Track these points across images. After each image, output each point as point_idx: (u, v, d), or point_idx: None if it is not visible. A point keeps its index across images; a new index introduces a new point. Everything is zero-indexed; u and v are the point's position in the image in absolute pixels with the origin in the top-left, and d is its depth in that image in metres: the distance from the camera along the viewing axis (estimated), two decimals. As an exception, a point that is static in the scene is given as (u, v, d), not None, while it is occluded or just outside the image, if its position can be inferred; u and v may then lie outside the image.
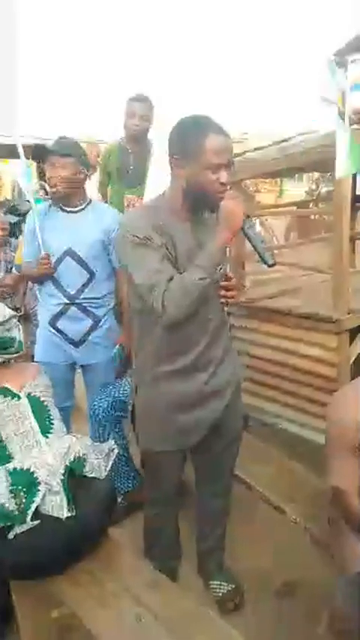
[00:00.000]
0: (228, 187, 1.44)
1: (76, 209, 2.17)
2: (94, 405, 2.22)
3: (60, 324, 2.20)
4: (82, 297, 2.18)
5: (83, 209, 2.18)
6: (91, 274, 2.17)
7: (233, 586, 1.86)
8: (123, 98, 3.01)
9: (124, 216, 2.01)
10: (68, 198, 2.14)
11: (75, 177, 2.10)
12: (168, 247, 1.44)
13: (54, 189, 2.11)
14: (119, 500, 2.19)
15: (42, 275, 2.16)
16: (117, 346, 2.26)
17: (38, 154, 2.15)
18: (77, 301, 2.18)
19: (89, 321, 2.21)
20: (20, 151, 2.27)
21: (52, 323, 2.20)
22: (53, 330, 2.22)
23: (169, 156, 1.47)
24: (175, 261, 1.45)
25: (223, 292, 1.53)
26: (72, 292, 2.17)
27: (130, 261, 1.46)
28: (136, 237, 1.41)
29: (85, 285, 2.17)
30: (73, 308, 2.18)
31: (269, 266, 1.46)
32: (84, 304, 2.19)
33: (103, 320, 2.25)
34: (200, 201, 1.46)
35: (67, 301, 2.17)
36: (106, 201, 3.13)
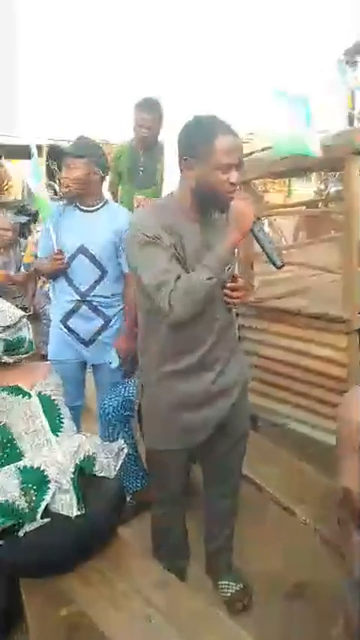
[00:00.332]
0: (238, 187, 1.44)
1: (92, 209, 2.20)
2: (104, 404, 2.23)
3: (71, 323, 2.23)
4: (92, 294, 2.20)
5: (98, 209, 2.21)
6: (103, 272, 2.19)
7: (242, 586, 1.85)
8: (131, 98, 3.03)
9: (134, 216, 2.02)
10: (81, 197, 2.17)
11: (87, 178, 2.12)
12: (177, 247, 1.45)
13: (66, 189, 2.14)
14: (128, 499, 2.19)
15: (55, 270, 2.19)
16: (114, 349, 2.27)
17: (55, 154, 2.20)
18: (88, 299, 2.20)
19: (100, 321, 2.23)
20: (34, 150, 2.30)
21: (64, 321, 2.23)
22: (65, 329, 2.24)
23: (179, 157, 1.47)
24: (184, 261, 1.45)
25: (229, 293, 1.54)
26: (83, 289, 2.19)
27: (138, 260, 1.46)
28: (145, 235, 1.41)
29: (96, 282, 2.19)
30: (84, 306, 2.20)
31: (278, 267, 1.46)
32: (94, 303, 2.21)
33: (113, 320, 2.27)
34: (210, 201, 1.46)
35: (79, 298, 2.20)
36: (116, 201, 3.16)
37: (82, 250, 2.16)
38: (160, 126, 3.03)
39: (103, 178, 2.24)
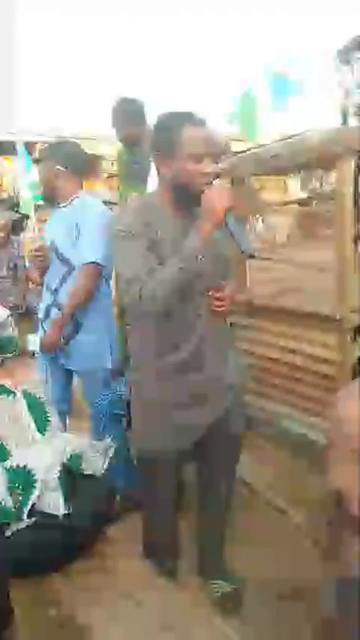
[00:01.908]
0: (212, 179, 1.42)
1: (62, 205, 2.19)
2: (96, 402, 2.21)
3: (45, 326, 2.14)
4: (61, 292, 2.09)
5: (67, 205, 2.17)
6: (70, 268, 2.09)
7: (233, 587, 1.84)
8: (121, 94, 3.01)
9: (117, 212, 2.03)
10: (54, 197, 2.18)
11: (49, 178, 2.14)
12: (153, 241, 1.44)
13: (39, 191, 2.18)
14: (117, 498, 2.18)
15: (37, 269, 2.18)
16: None
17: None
18: (58, 299, 2.10)
19: (69, 326, 2.09)
20: (47, 149, 2.30)
21: (41, 325, 2.17)
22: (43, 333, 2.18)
23: (153, 152, 1.47)
24: (162, 256, 1.45)
25: (214, 303, 1.52)
26: (53, 287, 2.12)
27: (115, 254, 1.49)
28: (121, 230, 1.44)
29: (64, 278, 2.10)
30: (55, 309, 2.11)
31: (248, 257, 1.46)
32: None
33: (86, 324, 2.10)
34: (186, 193, 1.45)
35: (51, 300, 2.11)
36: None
37: (52, 248, 2.13)
38: (142, 124, 3.01)
39: (77, 174, 2.21)
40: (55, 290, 2.12)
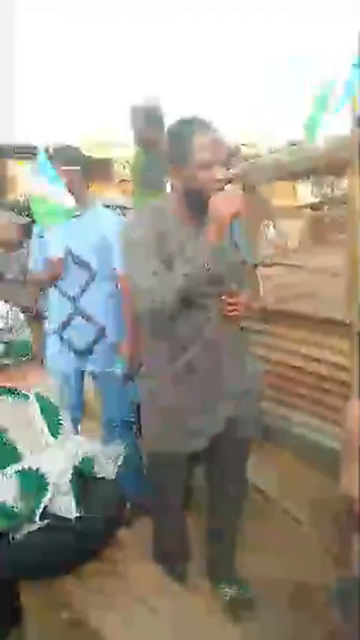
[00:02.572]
0: (224, 185, 1.43)
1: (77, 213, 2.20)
2: (107, 407, 2.22)
3: (66, 334, 2.19)
4: (82, 298, 2.15)
5: (82, 214, 2.20)
6: (91, 274, 2.16)
7: (243, 591, 1.83)
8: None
9: (129, 217, 2.05)
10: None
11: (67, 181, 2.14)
12: (164, 247, 1.46)
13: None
14: (128, 505, 2.18)
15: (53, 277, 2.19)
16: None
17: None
18: (79, 306, 2.16)
19: (93, 330, 2.18)
20: (42, 151, 2.31)
21: (59, 333, 2.20)
22: (60, 341, 2.21)
23: (165, 160, 1.49)
24: (171, 262, 1.45)
25: (227, 307, 1.52)
26: (73, 294, 2.16)
27: (125, 260, 1.52)
28: (131, 236, 1.46)
29: (86, 285, 2.15)
30: (77, 317, 2.16)
31: (253, 265, 1.47)
32: (87, 311, 2.16)
33: (109, 327, 2.19)
34: (197, 200, 1.46)
35: (71, 306, 2.16)
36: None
37: (69, 255, 2.15)
38: (161, 129, 3.02)
39: (84, 178, 2.22)
40: (74, 298, 2.14)
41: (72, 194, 2.13)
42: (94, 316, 2.17)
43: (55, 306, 2.22)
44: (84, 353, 2.20)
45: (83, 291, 2.16)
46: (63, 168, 2.11)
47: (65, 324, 2.18)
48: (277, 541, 2.12)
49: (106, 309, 2.18)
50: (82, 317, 2.16)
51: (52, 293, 2.23)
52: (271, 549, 2.07)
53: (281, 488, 2.40)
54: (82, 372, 2.28)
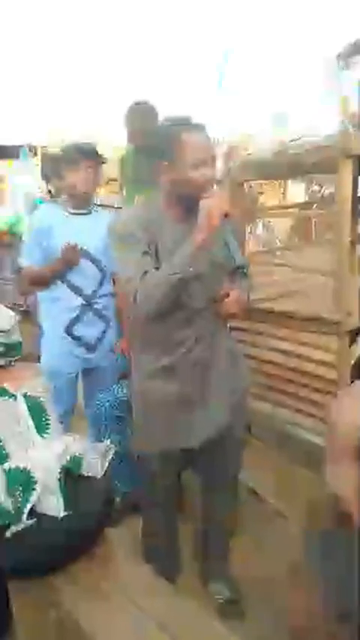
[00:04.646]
0: (212, 185, 1.44)
1: (84, 211, 2.24)
2: (97, 404, 2.22)
3: (76, 330, 2.21)
4: (98, 296, 2.21)
5: (90, 212, 2.26)
6: (103, 273, 2.21)
7: (234, 592, 1.84)
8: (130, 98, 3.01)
9: (119, 214, 2.06)
10: (88, 199, 2.22)
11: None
12: (151, 244, 1.46)
13: (82, 192, 2.17)
14: (117, 500, 2.18)
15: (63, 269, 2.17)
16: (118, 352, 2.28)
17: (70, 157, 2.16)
18: (92, 302, 2.21)
19: (103, 324, 2.26)
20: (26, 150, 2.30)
21: (69, 330, 2.21)
22: (69, 338, 2.23)
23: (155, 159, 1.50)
24: (159, 260, 1.46)
25: (219, 307, 1.53)
26: (88, 292, 2.19)
27: (115, 256, 1.52)
28: (121, 232, 1.47)
29: (100, 284, 2.21)
30: (89, 312, 2.21)
31: (238, 268, 1.49)
32: (98, 307, 2.22)
33: (111, 322, 2.29)
34: (185, 199, 1.46)
35: (84, 302, 2.19)
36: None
37: (83, 253, 2.16)
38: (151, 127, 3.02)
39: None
40: (87, 293, 2.18)
41: (73, 195, 2.15)
42: (105, 312, 2.24)
43: (63, 302, 2.20)
44: (93, 348, 2.25)
45: (98, 289, 2.19)
46: (85, 163, 2.10)
47: (75, 321, 2.19)
48: (270, 541, 2.13)
49: (111, 307, 2.27)
50: (94, 313, 2.20)
51: (55, 290, 2.20)
52: (264, 550, 2.08)
53: (267, 484, 2.41)
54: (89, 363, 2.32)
